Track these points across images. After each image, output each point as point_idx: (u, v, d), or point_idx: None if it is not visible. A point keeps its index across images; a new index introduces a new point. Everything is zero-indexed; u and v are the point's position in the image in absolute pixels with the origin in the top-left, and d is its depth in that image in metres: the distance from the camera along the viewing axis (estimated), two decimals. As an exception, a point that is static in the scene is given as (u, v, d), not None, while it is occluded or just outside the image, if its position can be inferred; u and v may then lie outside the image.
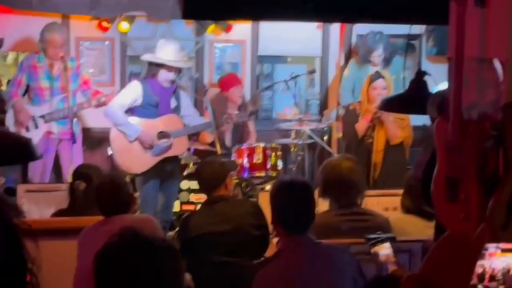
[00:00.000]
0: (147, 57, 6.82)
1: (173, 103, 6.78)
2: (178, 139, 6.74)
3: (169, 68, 6.58)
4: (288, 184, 3.76)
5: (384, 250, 3.24)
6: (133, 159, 6.63)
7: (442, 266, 1.29)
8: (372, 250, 3.23)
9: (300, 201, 3.67)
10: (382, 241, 3.27)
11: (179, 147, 6.82)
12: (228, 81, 8.13)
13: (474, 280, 1.33)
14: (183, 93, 7.02)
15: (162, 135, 6.68)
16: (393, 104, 3.89)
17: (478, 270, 1.33)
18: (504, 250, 1.36)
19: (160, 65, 6.59)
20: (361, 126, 7.13)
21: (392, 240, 3.40)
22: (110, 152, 6.92)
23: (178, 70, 6.72)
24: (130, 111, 6.67)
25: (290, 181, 3.83)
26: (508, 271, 1.39)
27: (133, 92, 6.61)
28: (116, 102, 6.64)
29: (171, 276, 2.56)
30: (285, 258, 3.62)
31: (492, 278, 1.34)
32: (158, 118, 6.66)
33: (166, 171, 6.76)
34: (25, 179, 7.37)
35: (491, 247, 1.35)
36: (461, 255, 1.29)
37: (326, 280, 3.60)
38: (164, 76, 6.61)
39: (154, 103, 6.63)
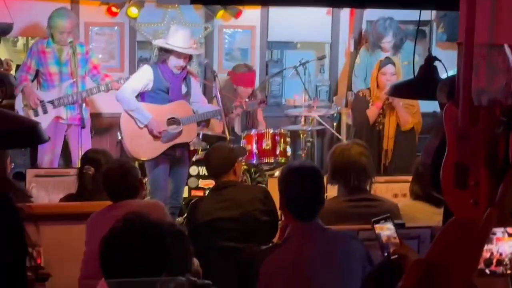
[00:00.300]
0: (158, 42, 6.84)
1: (183, 89, 6.79)
2: (187, 125, 6.75)
3: (178, 54, 6.58)
4: (297, 170, 3.75)
5: (386, 231, 3.23)
6: (143, 145, 6.65)
7: (448, 251, 1.28)
8: (376, 232, 3.22)
9: (309, 188, 3.66)
10: (385, 219, 3.25)
11: (189, 134, 6.82)
12: (240, 79, 8.08)
13: (481, 265, 1.32)
14: (193, 79, 7.02)
15: (172, 121, 6.69)
16: (402, 90, 3.88)
17: (486, 254, 1.32)
18: (511, 235, 1.35)
19: (170, 51, 6.59)
20: (372, 112, 7.12)
21: (400, 226, 3.39)
22: (119, 137, 6.93)
23: (188, 57, 6.73)
24: (141, 96, 6.68)
25: (299, 166, 3.81)
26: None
27: (145, 76, 6.63)
28: (128, 86, 6.65)
29: (179, 260, 2.56)
30: (293, 244, 3.61)
31: (500, 262, 1.33)
32: (168, 104, 6.67)
33: (175, 157, 6.78)
34: (34, 164, 7.38)
35: (499, 231, 1.34)
36: (468, 239, 1.28)
37: (335, 267, 3.59)
38: (174, 63, 6.61)
39: (164, 88, 6.64)
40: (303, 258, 3.57)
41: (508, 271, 1.33)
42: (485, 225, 1.28)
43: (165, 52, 6.63)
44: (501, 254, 1.34)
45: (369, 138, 6.99)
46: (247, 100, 7.62)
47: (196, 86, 7.00)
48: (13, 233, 1.33)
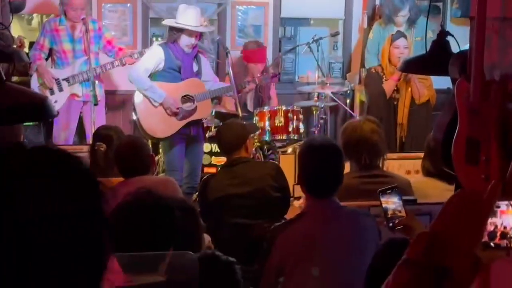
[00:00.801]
0: (168, 22, 6.82)
1: (194, 68, 6.78)
2: (202, 102, 6.74)
3: (190, 33, 6.56)
4: (318, 148, 3.72)
5: (392, 204, 3.22)
6: (159, 123, 6.64)
7: (453, 223, 1.27)
8: (382, 205, 3.21)
9: (328, 166, 3.64)
10: (392, 190, 3.24)
11: (203, 111, 6.81)
12: (251, 55, 8.06)
13: (485, 238, 1.31)
14: (204, 58, 6.99)
15: (186, 98, 6.68)
16: (414, 65, 3.84)
17: (490, 228, 1.31)
18: (515, 208, 1.34)
19: (181, 30, 6.57)
20: (388, 85, 7.12)
21: (412, 202, 3.38)
22: (134, 117, 6.93)
23: (199, 35, 6.71)
24: (152, 76, 6.67)
25: (320, 144, 3.77)
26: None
27: (156, 56, 6.61)
28: (141, 66, 6.64)
29: (189, 236, 2.56)
30: (309, 221, 3.62)
31: (504, 235, 1.33)
32: (182, 82, 6.66)
33: (190, 136, 6.77)
34: (48, 141, 7.40)
35: (503, 205, 1.33)
36: (472, 212, 1.27)
37: (349, 244, 3.60)
38: (185, 41, 6.59)
39: (176, 67, 6.62)
40: (318, 234, 3.57)
41: (512, 245, 1.33)
42: (488, 198, 1.27)
43: (176, 31, 6.61)
44: (505, 227, 1.33)
45: (385, 113, 6.99)
46: (259, 75, 7.60)
47: (206, 64, 6.97)
48: (96, 208, 1.30)
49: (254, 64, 7.96)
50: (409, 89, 7.11)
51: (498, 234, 1.32)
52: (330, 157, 3.67)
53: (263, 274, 3.69)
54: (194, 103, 6.68)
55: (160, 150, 6.98)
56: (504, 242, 1.32)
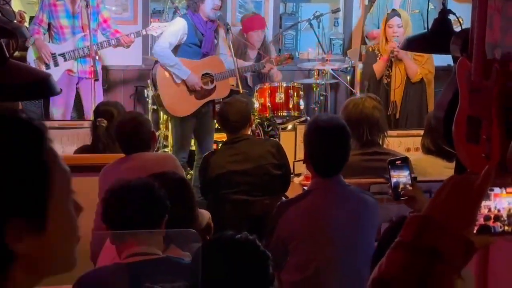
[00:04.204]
0: None
1: (215, 41, 6.77)
2: (220, 82, 6.73)
3: None
4: (325, 127, 3.71)
5: (403, 178, 3.22)
6: (180, 102, 6.64)
7: (445, 207, 1.29)
8: (393, 180, 3.20)
9: (335, 146, 3.65)
10: (402, 161, 3.24)
11: (222, 90, 6.80)
12: (249, 23, 8.00)
13: (481, 221, 1.32)
14: (222, 30, 6.93)
15: (205, 77, 6.67)
16: (416, 43, 3.84)
17: (484, 211, 1.32)
18: (509, 191, 1.35)
19: None
20: (378, 66, 7.07)
21: (412, 179, 3.38)
22: (153, 92, 6.90)
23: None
24: (173, 51, 6.65)
25: (327, 123, 3.76)
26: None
27: (180, 29, 6.58)
28: (165, 41, 6.60)
29: (181, 206, 2.60)
30: (315, 198, 3.63)
31: (497, 218, 1.34)
32: (202, 59, 6.64)
33: (201, 112, 6.78)
34: (47, 117, 7.39)
35: (496, 188, 1.34)
36: (465, 197, 1.28)
37: (355, 222, 3.62)
38: (210, 5, 6.54)
39: (198, 41, 6.60)
40: (325, 212, 3.59)
41: (506, 228, 1.34)
42: (482, 183, 1.29)
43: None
44: (499, 210, 1.34)
45: (377, 92, 6.96)
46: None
47: (223, 37, 6.96)
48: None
49: (253, 32, 7.85)
50: (399, 68, 7.04)
51: (492, 217, 1.34)
52: (338, 136, 3.68)
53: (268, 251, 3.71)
54: (213, 82, 6.67)
55: (170, 125, 6.99)
56: (497, 225, 1.34)
